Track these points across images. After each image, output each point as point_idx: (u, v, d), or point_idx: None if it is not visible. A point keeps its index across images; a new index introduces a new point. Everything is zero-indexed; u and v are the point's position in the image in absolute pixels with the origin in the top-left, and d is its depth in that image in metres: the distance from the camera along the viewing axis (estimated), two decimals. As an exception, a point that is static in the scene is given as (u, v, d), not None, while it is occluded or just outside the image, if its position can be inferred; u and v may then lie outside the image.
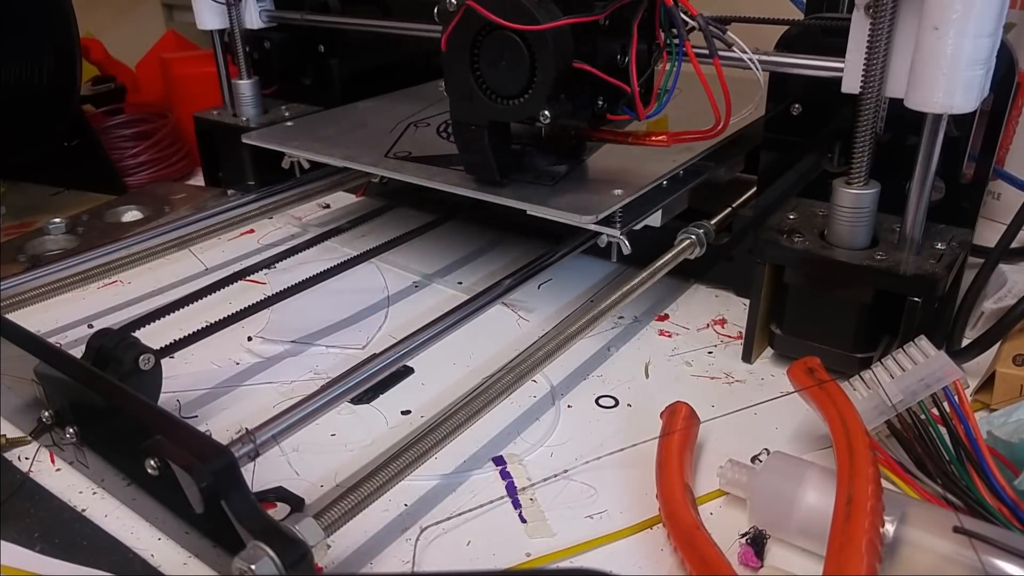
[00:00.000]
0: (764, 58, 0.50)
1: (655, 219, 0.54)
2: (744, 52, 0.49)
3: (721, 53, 0.48)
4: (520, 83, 0.47)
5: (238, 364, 0.53)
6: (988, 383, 0.46)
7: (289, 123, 0.70)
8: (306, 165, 0.66)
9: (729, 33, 0.48)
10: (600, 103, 0.50)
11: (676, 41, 0.49)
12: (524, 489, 0.41)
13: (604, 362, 0.53)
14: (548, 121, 0.47)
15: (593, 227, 0.50)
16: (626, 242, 0.51)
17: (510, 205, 0.52)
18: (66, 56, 0.77)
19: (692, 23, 0.48)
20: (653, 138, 0.54)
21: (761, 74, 0.49)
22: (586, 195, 0.52)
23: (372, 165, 0.58)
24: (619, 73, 0.49)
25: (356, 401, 0.48)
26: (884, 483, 0.34)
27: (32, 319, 0.56)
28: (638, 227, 0.53)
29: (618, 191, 0.51)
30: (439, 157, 0.59)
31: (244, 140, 0.66)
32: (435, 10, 0.49)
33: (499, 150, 0.52)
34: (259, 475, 0.42)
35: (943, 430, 0.39)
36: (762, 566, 0.37)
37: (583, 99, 0.49)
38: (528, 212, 0.51)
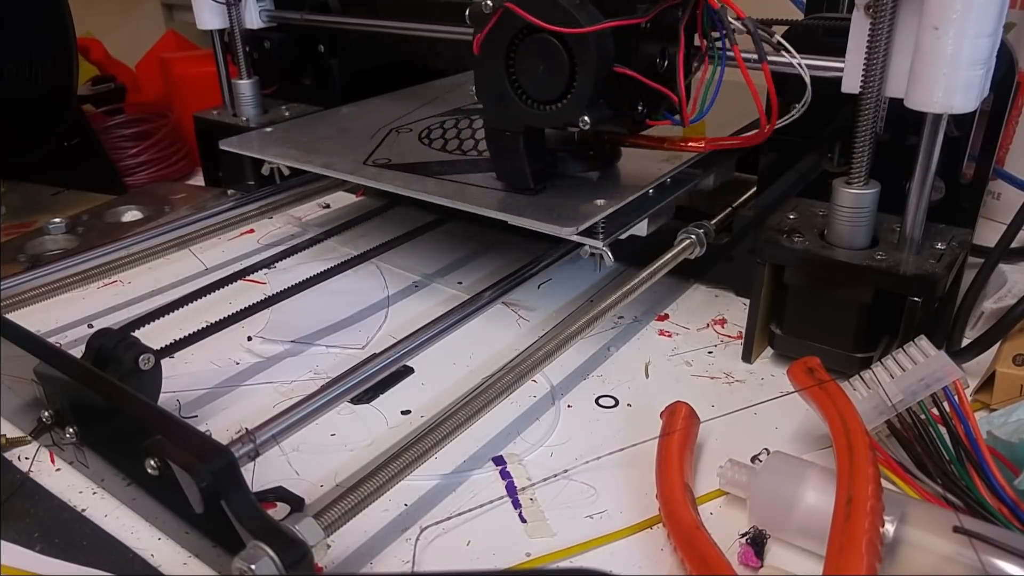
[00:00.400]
0: (740, 56, 0.50)
1: (641, 228, 0.52)
2: (794, 57, 0.47)
3: (769, 58, 0.47)
4: (559, 88, 0.46)
5: (238, 364, 0.53)
6: (988, 383, 0.46)
7: (268, 128, 0.68)
8: (286, 171, 0.65)
9: (777, 37, 0.47)
10: (640, 108, 0.49)
11: (719, 45, 0.48)
12: (524, 489, 0.41)
13: (604, 362, 0.53)
14: (588, 127, 0.46)
15: (575, 238, 0.48)
16: (609, 253, 0.49)
17: (489, 215, 0.50)
18: (63, 56, 0.77)
19: (738, 26, 0.46)
20: (690, 144, 0.53)
21: (808, 78, 0.47)
22: (568, 205, 0.50)
23: (350, 173, 0.57)
24: (659, 77, 0.48)
25: (356, 401, 0.48)
26: (884, 483, 0.34)
27: (32, 319, 0.56)
28: (623, 236, 0.52)
29: (601, 201, 0.50)
30: (419, 164, 0.58)
31: (222, 146, 0.64)
32: (467, 12, 0.47)
33: (533, 157, 0.51)
34: (259, 475, 0.42)
35: (943, 430, 0.39)
36: (762, 566, 0.37)
37: (623, 104, 0.48)
38: (508, 223, 0.49)
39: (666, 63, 0.49)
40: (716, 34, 0.48)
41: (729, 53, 0.48)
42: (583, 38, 0.44)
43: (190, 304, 0.54)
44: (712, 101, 0.49)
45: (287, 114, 0.77)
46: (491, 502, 0.40)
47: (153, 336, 0.48)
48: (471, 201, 0.51)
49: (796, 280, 0.49)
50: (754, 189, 0.59)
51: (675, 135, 0.54)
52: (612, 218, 0.50)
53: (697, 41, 0.49)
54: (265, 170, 0.65)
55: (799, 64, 0.47)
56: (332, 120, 0.70)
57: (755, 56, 0.47)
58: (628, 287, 0.49)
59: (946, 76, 0.40)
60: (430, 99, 0.75)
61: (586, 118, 0.46)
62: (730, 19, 0.46)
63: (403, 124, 0.67)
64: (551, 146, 0.55)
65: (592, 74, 0.45)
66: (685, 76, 0.48)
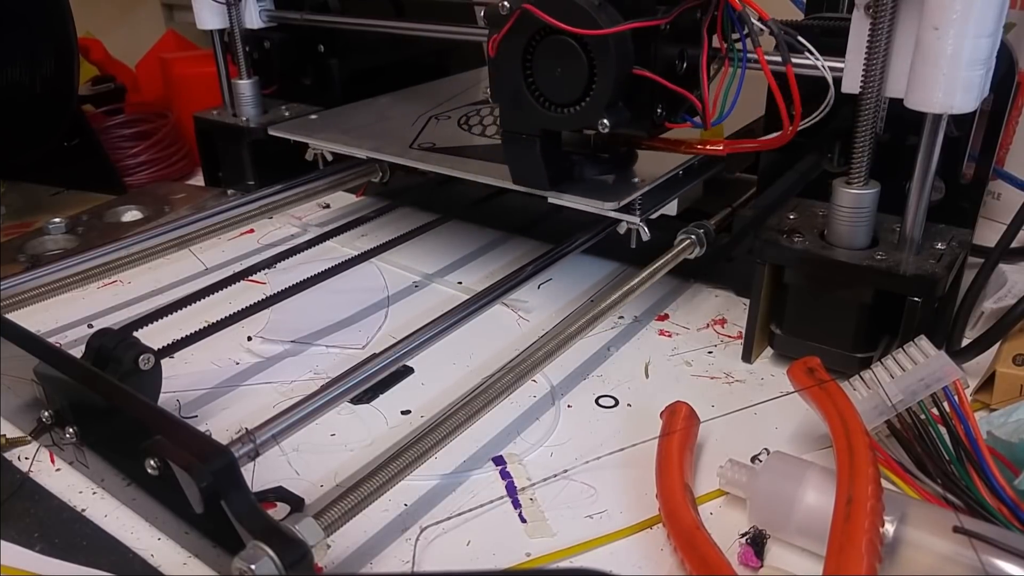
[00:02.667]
0: (764, 58, 0.50)
1: (671, 208, 0.55)
2: (817, 59, 0.46)
3: (794, 60, 0.45)
4: (577, 90, 0.45)
5: (238, 364, 0.53)
6: (988, 383, 0.46)
7: (313, 116, 0.71)
8: (329, 157, 0.66)
9: (800, 38, 0.46)
10: (659, 111, 0.48)
11: (739, 47, 0.47)
12: (524, 489, 0.41)
13: (604, 362, 0.53)
14: (607, 130, 0.45)
15: (614, 214, 0.51)
16: (646, 229, 0.52)
17: (533, 193, 0.53)
18: (64, 56, 0.77)
19: (763, 27, 0.45)
20: (709, 147, 0.53)
21: (831, 78, 0.46)
22: (607, 183, 0.53)
23: (398, 156, 0.60)
24: (679, 80, 0.47)
25: (356, 401, 0.48)
26: (884, 483, 0.34)
27: (32, 319, 0.56)
28: (655, 215, 0.54)
29: (638, 179, 0.52)
30: (461, 148, 0.60)
31: (271, 132, 0.68)
32: (483, 13, 0.48)
33: (550, 160, 0.51)
34: (259, 475, 0.42)
35: (943, 430, 0.39)
36: (762, 566, 0.37)
37: (642, 107, 0.47)
38: (550, 200, 0.52)
39: (685, 65, 0.48)
40: (736, 35, 0.47)
41: (752, 55, 0.47)
42: (603, 39, 0.43)
43: (190, 304, 0.54)
44: (734, 104, 0.49)
45: (287, 114, 0.77)
46: (491, 502, 0.40)
47: (153, 336, 0.48)
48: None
49: (796, 280, 0.49)
50: (754, 189, 0.59)
51: (692, 136, 0.54)
52: (646, 197, 0.52)
53: (717, 43, 0.48)
54: (309, 156, 0.67)
55: (823, 66, 0.46)
56: (371, 109, 0.73)
57: (800, 60, 0.45)
58: (628, 287, 0.49)
59: (946, 76, 0.40)
60: (460, 90, 0.77)
61: (605, 121, 0.45)
62: (753, 20, 0.46)
63: (441, 112, 0.70)
64: (567, 149, 0.55)
65: (612, 76, 0.44)
66: (693, 78, 0.48)
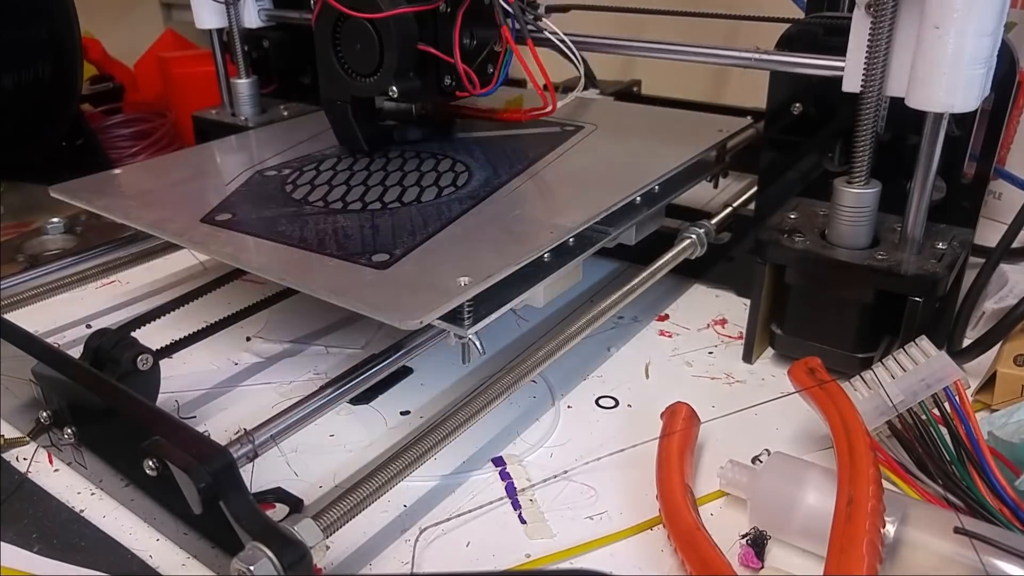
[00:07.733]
0: (765, 57, 0.50)
1: (535, 298, 0.46)
2: (555, 33, 0.54)
3: (543, 35, 0.55)
4: (373, 63, 0.53)
5: (237, 364, 0.53)
6: (989, 383, 0.46)
7: (117, 170, 0.59)
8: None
9: (544, 20, 0.55)
10: (448, 81, 0.55)
11: (517, 27, 0.55)
12: (524, 490, 0.41)
13: (604, 362, 0.52)
14: (396, 95, 0.53)
15: (438, 323, 0.41)
16: (479, 344, 0.42)
17: (320, 297, 0.40)
18: (68, 57, 0.77)
19: (509, 10, 0.54)
20: (508, 114, 0.63)
21: (578, 58, 0.54)
22: (423, 284, 0.40)
23: (178, 234, 0.47)
24: (467, 55, 0.55)
25: (355, 402, 0.48)
26: (885, 484, 0.34)
27: (30, 319, 0.55)
28: (503, 314, 0.43)
29: (465, 279, 0.40)
30: (265, 220, 0.48)
31: (52, 194, 0.55)
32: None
33: (364, 124, 0.58)
34: (258, 476, 0.42)
35: (944, 430, 0.39)
36: (762, 567, 0.36)
37: (430, 77, 0.55)
38: (341, 305, 0.40)
39: (474, 43, 0.55)
40: (530, 17, 0.55)
41: (538, 35, 0.55)
42: (385, 21, 0.51)
43: (189, 304, 0.54)
44: (503, 76, 0.57)
45: (285, 113, 0.77)
46: (491, 503, 0.40)
47: (152, 336, 0.48)
48: (301, 281, 0.42)
49: (797, 280, 0.49)
50: (755, 189, 0.59)
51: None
52: (492, 292, 0.41)
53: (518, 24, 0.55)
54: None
55: (561, 40, 0.54)
56: (191, 161, 0.62)
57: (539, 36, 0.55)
58: (628, 287, 0.49)
59: (947, 75, 0.40)
60: (319, 130, 0.65)
61: (394, 88, 0.53)
62: (502, 3, 0.53)
63: (276, 164, 0.58)
64: (394, 117, 0.65)
65: (395, 50, 0.52)
66: (474, 54, 0.55)
